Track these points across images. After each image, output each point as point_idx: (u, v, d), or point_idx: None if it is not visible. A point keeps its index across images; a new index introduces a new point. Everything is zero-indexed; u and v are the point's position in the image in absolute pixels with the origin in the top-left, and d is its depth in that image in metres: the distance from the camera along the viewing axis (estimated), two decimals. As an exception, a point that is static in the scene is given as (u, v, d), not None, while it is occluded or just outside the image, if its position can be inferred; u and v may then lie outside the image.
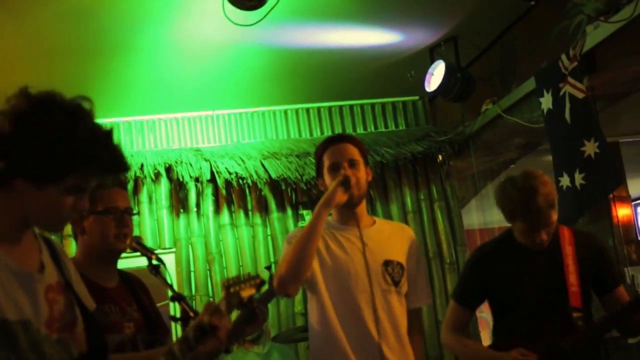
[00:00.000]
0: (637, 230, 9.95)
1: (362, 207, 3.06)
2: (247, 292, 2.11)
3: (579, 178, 4.49)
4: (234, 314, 2.44)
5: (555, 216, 2.98)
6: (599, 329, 2.90)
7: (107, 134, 1.87)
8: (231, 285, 2.10)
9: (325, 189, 3.02)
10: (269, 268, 4.37)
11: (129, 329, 2.67)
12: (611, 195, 5.24)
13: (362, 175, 2.99)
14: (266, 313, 2.32)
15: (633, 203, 9.65)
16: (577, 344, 2.91)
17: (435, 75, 5.58)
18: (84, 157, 1.81)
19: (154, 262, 2.57)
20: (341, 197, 2.88)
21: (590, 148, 4.40)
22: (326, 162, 3.03)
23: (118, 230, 2.69)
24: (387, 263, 2.97)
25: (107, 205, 2.68)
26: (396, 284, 2.96)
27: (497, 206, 3.10)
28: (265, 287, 3.11)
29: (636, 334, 3.48)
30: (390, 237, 3.07)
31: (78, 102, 1.85)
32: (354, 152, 3.02)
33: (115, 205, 2.71)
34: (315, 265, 2.94)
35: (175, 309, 3.07)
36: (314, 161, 5.83)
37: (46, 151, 1.77)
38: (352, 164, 2.97)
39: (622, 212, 7.15)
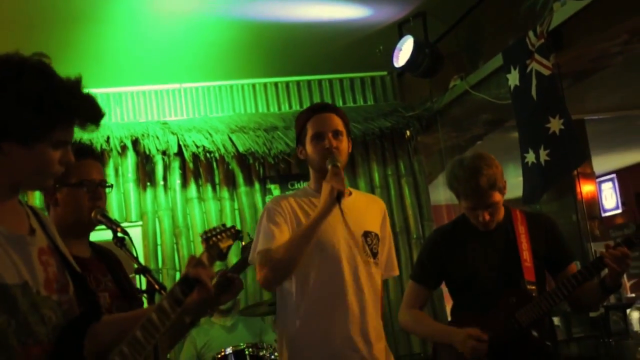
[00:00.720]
0: (601, 207, 10.13)
1: None
2: (225, 243, 2.17)
3: (543, 154, 4.55)
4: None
5: (497, 198, 3.04)
6: (552, 297, 2.97)
7: (78, 84, 1.89)
8: (210, 238, 2.16)
9: (304, 157, 2.99)
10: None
11: (104, 298, 2.65)
12: (575, 172, 5.29)
13: (345, 146, 2.96)
14: (241, 282, 2.37)
15: (597, 180, 9.80)
16: (532, 314, 2.98)
17: (404, 51, 5.59)
18: (67, 109, 1.85)
19: (119, 234, 2.56)
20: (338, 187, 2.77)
21: (555, 125, 4.45)
22: (310, 131, 2.95)
23: (92, 203, 2.65)
24: (366, 234, 2.95)
25: (81, 178, 2.62)
26: (374, 255, 2.94)
27: (446, 185, 3.16)
28: (247, 240, 3.13)
29: (584, 309, 3.56)
30: (366, 207, 3.05)
31: (40, 59, 1.88)
32: (339, 123, 2.96)
33: (90, 177, 2.66)
34: None
35: (140, 281, 3.06)
36: (282, 135, 5.93)
37: (31, 110, 1.79)
38: (337, 134, 2.93)
39: (586, 188, 7.24)
